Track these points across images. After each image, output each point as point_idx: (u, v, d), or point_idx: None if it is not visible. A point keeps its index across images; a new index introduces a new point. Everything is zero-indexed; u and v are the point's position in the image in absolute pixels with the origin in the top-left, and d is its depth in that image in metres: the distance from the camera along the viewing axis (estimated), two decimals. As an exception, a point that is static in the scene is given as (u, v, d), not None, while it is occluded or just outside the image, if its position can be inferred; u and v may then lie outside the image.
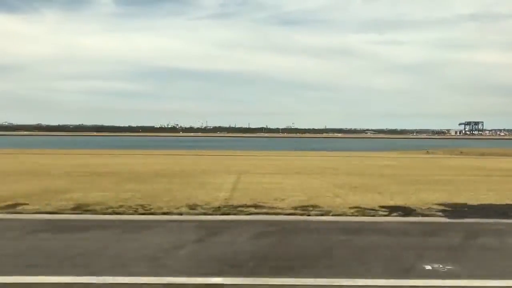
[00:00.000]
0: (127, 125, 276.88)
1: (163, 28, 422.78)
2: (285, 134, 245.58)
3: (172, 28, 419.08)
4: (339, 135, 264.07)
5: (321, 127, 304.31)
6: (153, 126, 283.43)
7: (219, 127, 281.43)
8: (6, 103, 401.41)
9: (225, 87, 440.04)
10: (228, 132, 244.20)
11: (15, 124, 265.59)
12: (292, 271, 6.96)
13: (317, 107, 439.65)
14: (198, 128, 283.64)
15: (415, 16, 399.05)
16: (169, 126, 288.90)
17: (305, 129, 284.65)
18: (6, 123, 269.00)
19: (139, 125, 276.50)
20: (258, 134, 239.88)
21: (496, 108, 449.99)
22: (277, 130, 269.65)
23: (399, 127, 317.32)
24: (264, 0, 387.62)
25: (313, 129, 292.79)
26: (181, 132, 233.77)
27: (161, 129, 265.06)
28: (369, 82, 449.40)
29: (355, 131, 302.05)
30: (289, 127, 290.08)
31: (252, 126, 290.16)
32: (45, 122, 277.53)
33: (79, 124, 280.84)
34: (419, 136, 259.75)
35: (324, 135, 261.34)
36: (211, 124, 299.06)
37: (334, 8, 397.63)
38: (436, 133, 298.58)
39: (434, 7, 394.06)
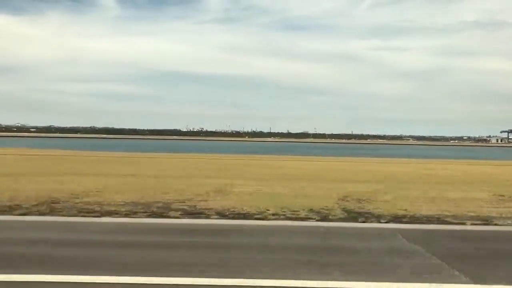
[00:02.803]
0: (142, 128, 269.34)
1: (168, 31, 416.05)
2: (333, 140, 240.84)
3: (177, 31, 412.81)
4: (383, 141, 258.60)
5: (343, 132, 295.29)
6: (179, 130, 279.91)
7: (260, 132, 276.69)
8: (13, 104, 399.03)
9: (231, 91, 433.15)
10: (281, 138, 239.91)
11: (28, 125, 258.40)
12: None
13: (324, 112, 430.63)
14: (232, 132, 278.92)
15: (420, 22, 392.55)
16: (194, 130, 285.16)
17: (351, 134, 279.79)
18: (19, 125, 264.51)
19: (151, 128, 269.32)
20: (306, 139, 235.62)
21: (504, 115, 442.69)
22: (323, 136, 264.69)
23: (413, 133, 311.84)
24: (268, 6, 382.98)
25: (351, 134, 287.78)
26: (246, 137, 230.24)
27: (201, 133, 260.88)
28: (375, 88, 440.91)
29: (393, 137, 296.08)
30: (306, 132, 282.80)
31: (269, 130, 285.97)
32: (55, 124, 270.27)
33: (90, 126, 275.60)
34: (463, 143, 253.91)
35: (369, 141, 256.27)
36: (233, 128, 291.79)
37: (339, 14, 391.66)
38: (479, 140, 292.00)
39: (439, 14, 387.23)
